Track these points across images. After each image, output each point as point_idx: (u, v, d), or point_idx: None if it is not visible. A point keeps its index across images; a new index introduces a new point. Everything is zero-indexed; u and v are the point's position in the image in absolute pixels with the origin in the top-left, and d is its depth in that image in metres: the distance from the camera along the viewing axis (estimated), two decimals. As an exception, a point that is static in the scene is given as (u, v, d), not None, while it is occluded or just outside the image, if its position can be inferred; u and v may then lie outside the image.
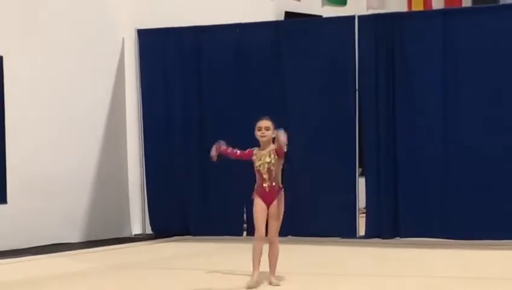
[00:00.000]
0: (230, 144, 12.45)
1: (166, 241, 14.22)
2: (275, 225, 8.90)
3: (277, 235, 9.00)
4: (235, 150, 9.31)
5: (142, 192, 14.88)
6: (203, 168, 14.40)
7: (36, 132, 13.50)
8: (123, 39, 14.70)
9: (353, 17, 14.05)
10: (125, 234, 14.52)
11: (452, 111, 13.46)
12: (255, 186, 9.04)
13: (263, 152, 8.91)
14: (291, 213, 11.23)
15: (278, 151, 8.84)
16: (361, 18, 14.06)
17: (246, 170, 12.77)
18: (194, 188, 14.56)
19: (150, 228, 14.78)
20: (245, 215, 13.89)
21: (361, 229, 13.73)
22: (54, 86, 13.67)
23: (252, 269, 8.97)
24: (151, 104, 14.82)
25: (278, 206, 8.90)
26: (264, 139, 8.86)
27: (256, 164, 8.91)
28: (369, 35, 13.86)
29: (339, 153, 13.94)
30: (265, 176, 8.85)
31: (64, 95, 13.80)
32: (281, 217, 8.95)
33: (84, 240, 13.97)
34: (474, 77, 13.29)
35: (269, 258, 8.98)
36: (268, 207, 8.87)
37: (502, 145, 13.10)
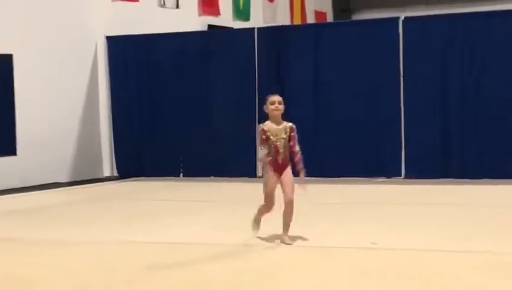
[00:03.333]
0: (168, 115, 13.88)
1: (128, 181, 14.47)
2: (291, 186, 7.40)
3: (293, 194, 7.42)
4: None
5: (111, 145, 15.18)
6: (152, 128, 14.78)
7: (38, 103, 13.90)
8: (96, 43, 15.05)
9: (253, 29, 14.40)
10: (99, 176, 14.89)
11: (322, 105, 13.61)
12: (267, 157, 7.44)
13: (278, 127, 7.46)
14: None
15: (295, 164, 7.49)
16: (260, 30, 14.34)
17: (183, 125, 14.19)
18: (146, 142, 14.80)
19: (116, 171, 15.12)
20: (181, 159, 14.57)
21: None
22: (50, 76, 14.13)
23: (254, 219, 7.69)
24: (116, 87, 15.08)
25: (290, 172, 7.45)
26: (277, 113, 7.43)
27: (273, 139, 7.40)
28: (264, 43, 14.04)
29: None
30: (281, 150, 7.39)
31: (56, 81, 14.20)
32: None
33: (70, 180, 14.26)
34: (336, 78, 13.45)
35: (284, 218, 7.48)
36: (280, 176, 7.43)
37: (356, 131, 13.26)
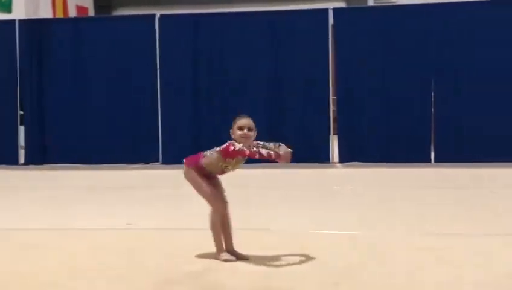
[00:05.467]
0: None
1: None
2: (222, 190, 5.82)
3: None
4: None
5: None
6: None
7: None
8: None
9: (14, 21, 13.99)
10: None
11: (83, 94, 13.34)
12: (203, 164, 5.70)
13: (241, 159, 5.74)
14: None
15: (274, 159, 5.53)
16: (21, 22, 13.92)
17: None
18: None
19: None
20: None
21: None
22: None
23: (216, 247, 5.80)
24: None
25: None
26: (245, 141, 5.61)
27: (229, 166, 5.73)
28: (25, 35, 13.62)
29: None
30: (225, 174, 5.83)
31: None
32: None
33: None
34: (96, 68, 13.29)
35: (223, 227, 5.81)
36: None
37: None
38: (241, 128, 5.66)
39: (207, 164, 5.76)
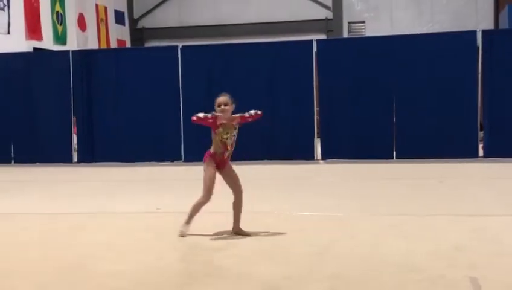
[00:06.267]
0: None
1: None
2: (237, 177, 5.87)
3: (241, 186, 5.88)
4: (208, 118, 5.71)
5: None
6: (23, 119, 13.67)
7: None
8: None
9: (68, 51, 14.02)
10: None
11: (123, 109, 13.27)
12: (211, 151, 5.80)
13: (229, 125, 5.78)
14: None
15: (241, 121, 5.81)
16: (74, 52, 13.90)
17: (12, 125, 13.34)
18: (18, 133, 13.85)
19: None
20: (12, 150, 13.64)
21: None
22: None
23: (186, 220, 5.84)
24: None
25: (231, 166, 5.87)
26: (224, 113, 5.72)
27: (224, 136, 5.75)
28: (77, 62, 13.48)
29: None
30: (229, 147, 5.80)
31: None
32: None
33: None
34: (133, 90, 13.18)
35: (235, 208, 5.90)
36: (221, 170, 5.84)
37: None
38: (219, 105, 5.79)
39: (213, 147, 5.83)
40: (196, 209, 5.85)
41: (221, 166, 5.85)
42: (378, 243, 5.55)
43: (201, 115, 5.75)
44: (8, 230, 6.53)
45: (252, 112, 5.90)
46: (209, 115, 5.72)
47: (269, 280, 4.45)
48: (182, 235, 5.81)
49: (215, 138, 5.81)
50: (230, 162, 5.97)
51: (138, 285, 4.48)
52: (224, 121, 5.74)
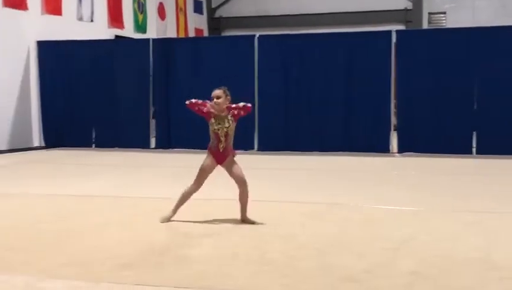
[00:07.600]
0: (83, 100, 13.40)
1: (52, 150, 13.91)
2: (239, 169, 5.89)
3: (244, 177, 5.87)
4: (199, 103, 5.95)
5: (40, 122, 14.33)
6: (71, 110, 14.12)
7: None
8: (29, 46, 14.15)
9: (148, 39, 14.22)
10: (29, 145, 14.05)
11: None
12: (210, 144, 5.92)
13: (222, 115, 5.86)
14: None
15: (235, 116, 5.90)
16: (154, 40, 14.11)
17: (95, 110, 13.82)
18: (67, 120, 14.13)
19: (44, 142, 14.33)
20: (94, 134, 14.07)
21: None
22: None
23: (173, 207, 5.97)
24: (44, 79, 14.23)
25: (232, 159, 5.90)
26: (216, 107, 5.81)
27: (215, 127, 5.85)
28: (157, 50, 13.72)
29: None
30: (222, 139, 5.83)
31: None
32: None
33: (8, 148, 13.39)
34: (209, 79, 12.73)
35: (241, 199, 5.92)
36: (220, 164, 5.91)
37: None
38: (213, 98, 5.90)
39: (211, 139, 5.95)
40: (183, 197, 5.99)
41: (219, 159, 5.93)
42: (457, 239, 5.40)
43: (194, 100, 5.97)
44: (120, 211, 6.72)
45: (241, 104, 5.95)
46: (200, 101, 5.93)
47: (348, 272, 4.40)
48: (163, 221, 5.94)
49: (211, 131, 5.94)
50: (235, 151, 6.03)
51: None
52: (212, 110, 5.87)
